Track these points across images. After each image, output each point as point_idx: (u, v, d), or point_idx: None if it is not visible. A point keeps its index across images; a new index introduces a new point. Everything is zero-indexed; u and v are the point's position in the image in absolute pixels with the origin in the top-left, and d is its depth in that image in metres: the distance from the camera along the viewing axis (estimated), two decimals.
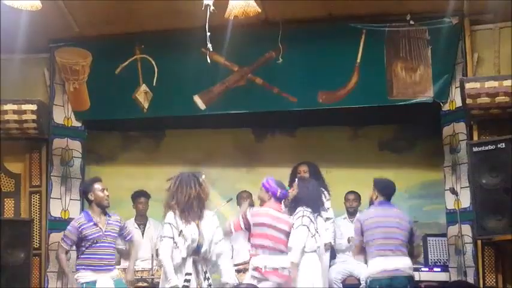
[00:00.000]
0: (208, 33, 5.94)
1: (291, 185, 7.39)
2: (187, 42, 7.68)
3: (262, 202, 6.92)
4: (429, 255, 8.15)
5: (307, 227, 6.81)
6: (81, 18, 7.80)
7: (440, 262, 8.04)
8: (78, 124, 8.37)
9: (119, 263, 7.62)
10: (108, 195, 6.65)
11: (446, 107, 7.69)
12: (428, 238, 8.21)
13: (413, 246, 6.64)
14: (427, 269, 7.80)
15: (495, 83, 7.04)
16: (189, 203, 5.89)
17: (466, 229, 7.33)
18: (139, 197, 8.45)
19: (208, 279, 5.94)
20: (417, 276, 7.37)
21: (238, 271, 7.25)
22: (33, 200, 8.04)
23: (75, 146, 8.32)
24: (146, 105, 8.19)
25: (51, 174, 8.09)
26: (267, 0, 7.09)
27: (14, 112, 7.72)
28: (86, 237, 6.46)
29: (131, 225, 8.42)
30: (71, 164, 8.23)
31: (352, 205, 8.26)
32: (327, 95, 7.89)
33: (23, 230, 7.54)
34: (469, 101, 7.12)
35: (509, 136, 6.90)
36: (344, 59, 7.79)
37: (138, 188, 8.48)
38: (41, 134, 7.96)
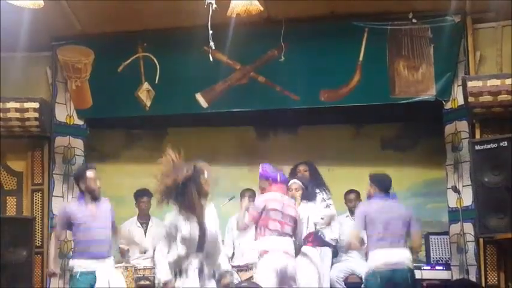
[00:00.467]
0: (210, 32, 5.95)
1: None
2: (189, 40, 7.69)
3: (264, 190, 6.82)
4: (431, 254, 8.16)
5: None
6: (84, 17, 7.81)
7: (442, 260, 8.04)
8: (80, 122, 8.38)
9: (120, 262, 7.60)
10: (99, 187, 6.46)
11: (448, 106, 7.69)
12: (431, 236, 8.22)
13: (416, 233, 6.59)
14: (429, 267, 7.80)
15: (497, 82, 7.04)
16: (188, 191, 5.70)
17: (468, 227, 7.33)
18: (142, 195, 8.43)
19: (214, 276, 5.84)
20: (419, 274, 7.37)
21: (240, 270, 7.26)
22: (35, 198, 8.04)
23: (77, 144, 8.32)
24: (148, 104, 8.20)
25: (53, 173, 8.09)
26: None
27: (16, 110, 7.73)
28: (76, 222, 6.31)
29: (134, 224, 8.45)
30: (73, 162, 8.23)
31: (354, 204, 8.25)
32: (329, 93, 7.89)
33: (25, 228, 7.55)
34: (471, 99, 7.12)
35: (511, 134, 6.90)
36: (346, 58, 7.79)
37: (140, 187, 8.47)
38: (43, 132, 7.96)
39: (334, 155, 9.17)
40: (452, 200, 7.60)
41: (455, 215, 7.49)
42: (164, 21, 7.78)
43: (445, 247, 8.06)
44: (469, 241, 7.35)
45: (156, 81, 8.10)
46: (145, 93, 8.16)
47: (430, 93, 7.71)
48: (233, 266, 7.05)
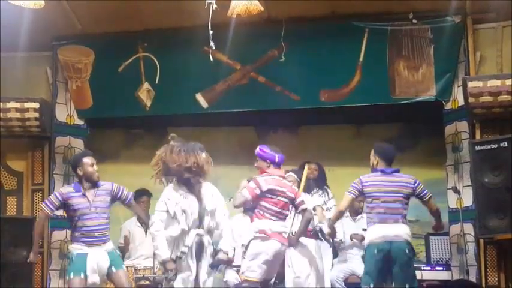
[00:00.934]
0: (211, 32, 5.96)
1: None
2: (189, 40, 7.70)
3: (261, 170, 6.70)
4: (431, 254, 8.16)
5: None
6: (84, 16, 7.82)
7: (442, 261, 8.05)
8: (80, 122, 8.39)
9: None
10: (97, 170, 6.32)
11: (448, 106, 7.69)
12: (431, 237, 8.22)
13: (428, 201, 6.48)
14: (429, 268, 7.80)
15: (497, 82, 7.04)
16: (190, 171, 5.75)
17: (468, 228, 7.33)
18: (142, 195, 8.42)
19: (216, 254, 5.77)
20: (419, 275, 7.35)
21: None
22: (35, 198, 8.06)
23: (78, 144, 8.32)
24: (149, 104, 8.20)
25: (54, 172, 8.10)
26: None
27: (17, 110, 7.74)
28: (72, 207, 6.20)
29: (133, 224, 8.45)
30: None
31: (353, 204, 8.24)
32: (330, 94, 7.89)
33: (25, 228, 7.51)
34: (471, 99, 7.12)
35: (511, 135, 6.90)
36: (347, 58, 7.80)
37: (140, 186, 8.46)
38: (43, 132, 7.97)
39: (334, 155, 9.17)
40: (452, 201, 7.60)
41: (455, 215, 7.49)
42: (164, 21, 7.79)
43: (445, 248, 8.06)
44: (469, 242, 7.35)
45: (157, 81, 8.11)
46: (145, 93, 8.17)
47: (430, 93, 7.71)
48: (233, 266, 7.05)
